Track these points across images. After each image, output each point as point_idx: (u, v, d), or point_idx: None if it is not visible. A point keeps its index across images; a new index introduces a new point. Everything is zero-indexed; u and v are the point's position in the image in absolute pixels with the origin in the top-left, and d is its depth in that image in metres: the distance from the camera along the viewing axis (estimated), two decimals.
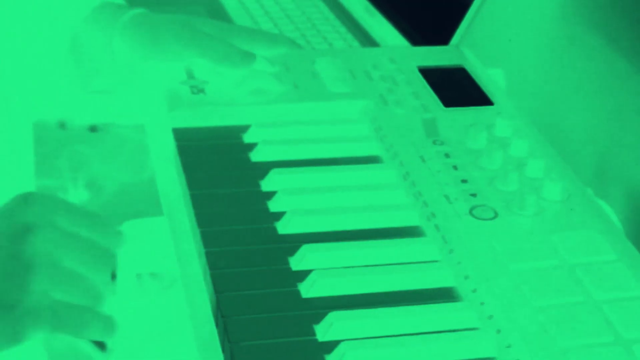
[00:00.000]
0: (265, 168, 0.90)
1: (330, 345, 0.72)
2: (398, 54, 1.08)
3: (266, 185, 0.89)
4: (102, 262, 0.76)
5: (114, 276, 0.77)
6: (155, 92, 1.01)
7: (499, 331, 0.73)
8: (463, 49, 1.11)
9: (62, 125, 1.76)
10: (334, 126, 0.98)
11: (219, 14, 1.30)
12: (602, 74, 1.15)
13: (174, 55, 1.01)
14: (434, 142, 0.93)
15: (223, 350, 0.72)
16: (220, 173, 0.90)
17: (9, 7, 0.99)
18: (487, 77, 1.04)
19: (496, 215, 0.83)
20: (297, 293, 0.76)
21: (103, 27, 1.01)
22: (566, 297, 0.75)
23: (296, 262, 0.79)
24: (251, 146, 0.94)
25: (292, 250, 0.80)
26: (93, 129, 1.80)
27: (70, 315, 0.72)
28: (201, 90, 0.99)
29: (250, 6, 1.35)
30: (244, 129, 0.96)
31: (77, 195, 1.86)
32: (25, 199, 0.77)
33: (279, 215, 0.84)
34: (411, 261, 0.81)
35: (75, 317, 0.72)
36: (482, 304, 0.75)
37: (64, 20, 0.99)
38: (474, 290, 0.77)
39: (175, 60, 1.01)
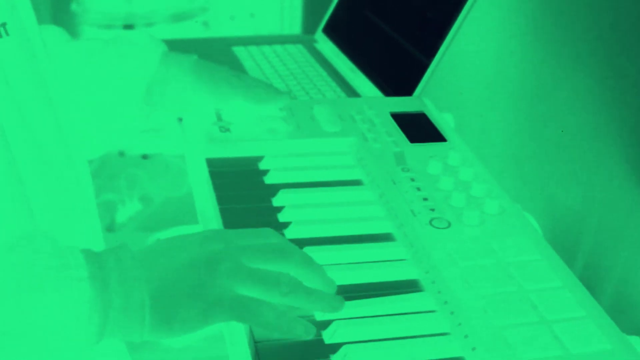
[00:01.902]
0: (276, 188, 0.90)
1: (326, 324, 0.71)
2: (375, 103, 1.08)
3: (276, 201, 0.88)
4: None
5: None
6: (193, 131, 1.01)
7: (452, 313, 0.73)
8: (423, 99, 1.11)
9: (121, 154, 1.76)
10: (327, 157, 0.97)
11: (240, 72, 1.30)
12: (523, 120, 1.16)
13: (225, 97, 1.00)
14: (402, 170, 0.92)
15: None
16: (242, 192, 0.90)
17: (94, 60, 0.97)
18: (442, 120, 1.04)
19: (449, 225, 0.83)
20: None
21: (173, 72, 0.99)
22: (502, 287, 0.75)
23: None
24: (265, 172, 0.94)
25: None
26: (145, 157, 1.80)
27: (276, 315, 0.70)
28: (227, 130, 0.99)
29: (264, 67, 1.35)
30: (260, 158, 0.96)
31: (132, 206, 1.86)
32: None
33: (286, 225, 0.84)
34: (385, 260, 0.80)
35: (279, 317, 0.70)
36: (439, 292, 0.75)
37: (139, 68, 0.98)
38: (433, 282, 0.76)
39: (225, 100, 1.00)
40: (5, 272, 0.65)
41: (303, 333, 0.69)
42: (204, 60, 1.01)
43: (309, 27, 1.95)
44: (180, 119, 1.06)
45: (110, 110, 0.96)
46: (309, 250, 0.79)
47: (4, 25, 0.75)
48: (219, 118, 1.01)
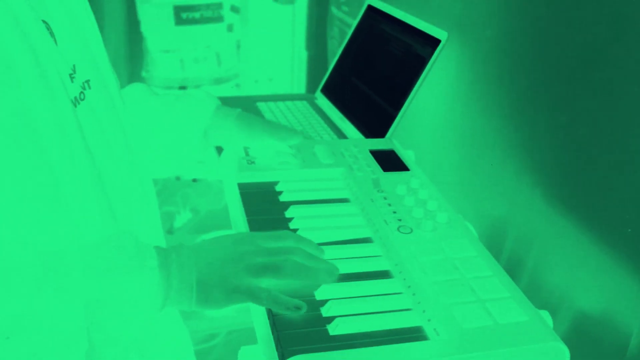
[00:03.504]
0: (287, 204, 0.90)
1: (323, 302, 0.72)
2: (358, 143, 1.08)
3: (288, 214, 0.88)
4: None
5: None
6: (228, 163, 1.01)
7: (414, 294, 0.73)
8: (393, 140, 1.11)
9: (178, 178, 1.75)
10: (324, 182, 0.97)
11: None
12: (464, 155, 1.16)
13: (258, 137, 0.99)
14: (378, 191, 0.92)
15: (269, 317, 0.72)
16: (263, 207, 0.90)
17: (168, 109, 0.98)
18: (406, 155, 1.04)
19: (412, 231, 0.83)
20: None
21: (223, 119, 0.98)
22: (449, 276, 0.75)
23: None
24: (280, 192, 0.94)
25: None
26: (194, 180, 1.80)
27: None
28: (253, 162, 0.99)
29: (279, 117, 1.35)
30: (276, 183, 0.96)
31: (185, 215, 1.85)
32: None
33: (294, 231, 0.84)
34: (365, 256, 0.80)
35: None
36: (404, 279, 0.75)
37: (199, 116, 0.98)
38: (400, 272, 0.77)
39: (258, 140, 0.99)
40: (100, 261, 0.67)
41: (294, 309, 0.70)
42: (245, 112, 1.02)
43: (311, 88, 1.96)
44: (219, 153, 1.06)
45: (178, 144, 0.97)
46: None
47: (88, 82, 0.76)
48: (247, 154, 1.01)
